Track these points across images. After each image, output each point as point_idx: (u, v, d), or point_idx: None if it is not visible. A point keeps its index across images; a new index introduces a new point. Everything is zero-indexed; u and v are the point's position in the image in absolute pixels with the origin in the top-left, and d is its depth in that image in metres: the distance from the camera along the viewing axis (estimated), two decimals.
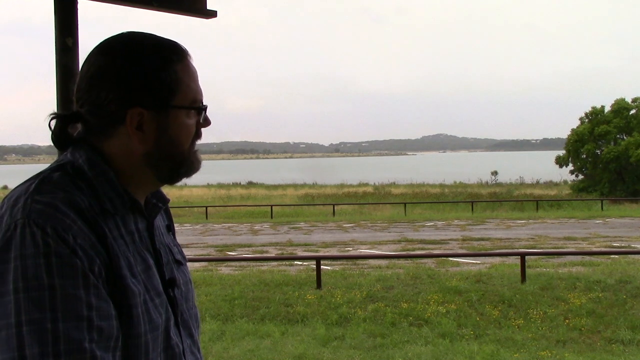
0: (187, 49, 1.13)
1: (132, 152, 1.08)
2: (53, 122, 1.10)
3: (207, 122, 1.15)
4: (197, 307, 1.29)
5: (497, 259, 13.22)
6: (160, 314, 1.06)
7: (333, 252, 15.82)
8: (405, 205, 28.15)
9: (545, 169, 50.64)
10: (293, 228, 21.74)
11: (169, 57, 1.08)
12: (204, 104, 1.14)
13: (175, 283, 1.15)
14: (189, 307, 1.20)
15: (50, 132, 1.11)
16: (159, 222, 1.22)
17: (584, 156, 38.35)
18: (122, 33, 1.12)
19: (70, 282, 0.91)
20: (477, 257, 13.45)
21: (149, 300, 1.04)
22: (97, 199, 1.03)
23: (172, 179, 1.14)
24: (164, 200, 1.21)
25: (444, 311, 8.93)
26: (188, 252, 14.97)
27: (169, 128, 1.08)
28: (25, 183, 1.02)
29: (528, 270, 10.66)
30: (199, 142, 1.15)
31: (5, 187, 48.39)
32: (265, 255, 15.61)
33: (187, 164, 1.12)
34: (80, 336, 0.90)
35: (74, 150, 1.08)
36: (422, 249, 16.14)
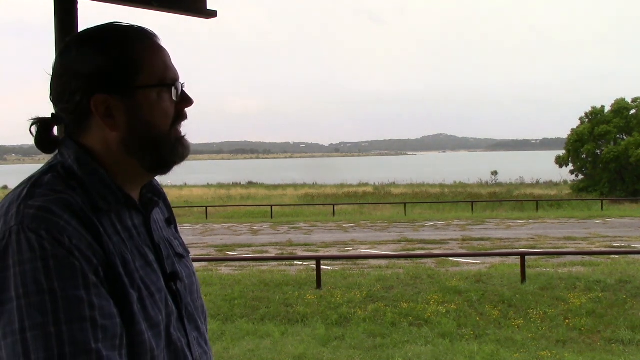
0: (153, 32, 1.10)
1: (109, 143, 1.06)
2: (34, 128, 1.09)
3: (185, 100, 1.10)
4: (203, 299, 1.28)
5: (497, 259, 13.22)
6: (160, 311, 1.04)
7: (333, 252, 15.82)
8: (405, 205, 28.16)
9: (545, 169, 50.66)
10: (293, 228, 21.73)
11: (125, 38, 1.05)
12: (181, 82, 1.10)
13: (178, 276, 1.14)
14: (193, 300, 1.19)
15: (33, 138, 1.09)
16: (157, 215, 1.21)
17: (584, 156, 38.38)
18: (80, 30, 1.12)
19: (70, 284, 0.91)
20: (477, 257, 13.46)
21: (147, 297, 1.03)
22: (90, 197, 1.02)
23: (159, 166, 1.09)
24: (160, 193, 1.20)
25: (444, 311, 8.92)
26: None
27: (139, 110, 1.04)
28: (17, 189, 1.01)
29: (528, 270, 10.66)
30: (185, 124, 1.10)
31: (5, 187, 48.44)
32: (265, 255, 15.61)
33: (168, 147, 1.07)
34: (85, 337, 0.89)
35: (63, 150, 1.07)
36: (422, 249, 16.14)
